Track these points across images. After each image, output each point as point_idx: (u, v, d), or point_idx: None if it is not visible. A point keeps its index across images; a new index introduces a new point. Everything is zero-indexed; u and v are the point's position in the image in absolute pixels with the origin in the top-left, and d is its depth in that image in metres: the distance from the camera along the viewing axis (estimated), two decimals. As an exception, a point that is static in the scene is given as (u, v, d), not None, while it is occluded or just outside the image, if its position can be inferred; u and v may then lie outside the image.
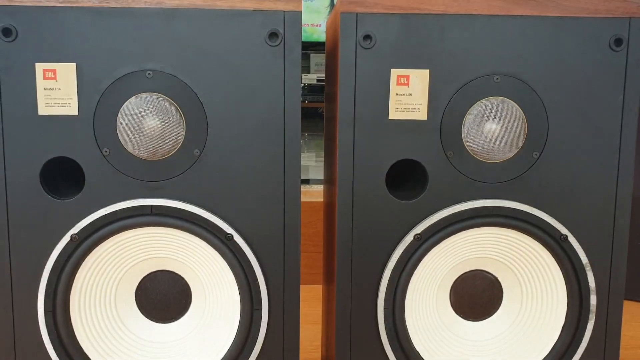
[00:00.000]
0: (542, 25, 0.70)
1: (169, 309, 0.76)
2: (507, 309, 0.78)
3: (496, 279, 0.78)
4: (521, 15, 0.70)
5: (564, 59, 0.71)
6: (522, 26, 0.70)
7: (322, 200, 1.40)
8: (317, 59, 4.36)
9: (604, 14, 0.70)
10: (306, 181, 2.08)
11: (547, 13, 0.70)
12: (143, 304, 0.76)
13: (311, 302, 1.40)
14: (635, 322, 1.27)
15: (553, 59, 0.70)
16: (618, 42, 0.70)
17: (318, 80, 4.23)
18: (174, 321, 0.76)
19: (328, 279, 0.87)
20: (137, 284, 0.75)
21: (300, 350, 1.16)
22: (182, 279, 0.75)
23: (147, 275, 0.75)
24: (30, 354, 0.72)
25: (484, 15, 0.69)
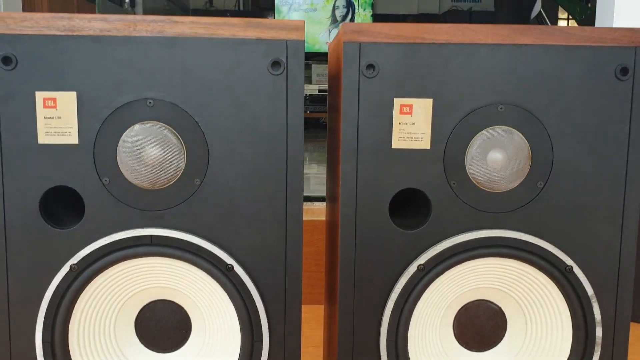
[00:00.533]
0: (547, 53, 0.69)
1: (169, 339, 0.75)
2: (511, 339, 0.77)
3: (500, 309, 0.77)
4: (526, 44, 0.69)
5: (569, 88, 0.70)
6: (526, 55, 0.69)
7: (324, 218, 1.39)
8: (319, 70, 4.36)
9: (609, 43, 0.69)
10: (307, 198, 2.08)
11: (552, 42, 0.69)
12: (142, 334, 0.75)
13: (312, 323, 1.38)
14: (639, 344, 1.25)
15: (558, 88, 0.70)
16: (624, 71, 0.70)
17: (320, 90, 4.24)
18: (173, 351, 0.75)
19: (330, 300, 0.86)
20: (136, 314, 0.74)
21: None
22: (182, 308, 0.74)
23: (147, 304, 0.74)
24: (27, 385, 0.71)
25: (489, 44, 0.69)
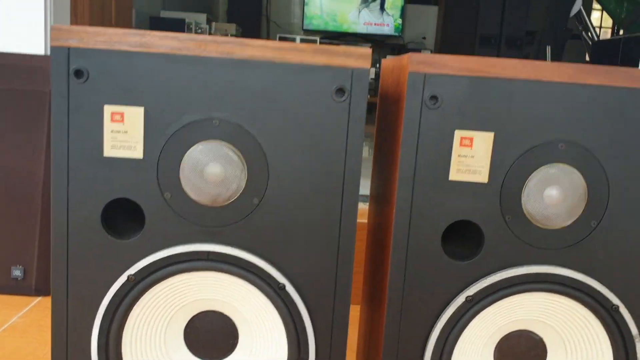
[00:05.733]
0: (612, 94, 0.69)
1: (216, 348, 0.77)
2: (551, 370, 0.78)
3: (541, 339, 0.78)
4: (591, 84, 0.69)
5: (632, 129, 0.70)
6: (591, 95, 0.69)
7: (362, 219, 1.40)
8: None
9: (676, 88, 0.69)
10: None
11: (618, 83, 0.69)
12: (191, 342, 0.77)
13: (349, 325, 1.40)
14: None
15: (620, 129, 0.70)
16: (688, 116, 0.69)
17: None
18: (220, 359, 0.77)
19: (370, 305, 0.87)
20: (186, 322, 0.76)
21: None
22: (231, 320, 0.76)
23: (197, 314, 0.76)
24: (81, 387, 0.73)
25: (554, 82, 0.69)
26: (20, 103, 1.49)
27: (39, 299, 1.48)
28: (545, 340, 0.78)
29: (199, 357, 0.77)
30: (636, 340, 0.73)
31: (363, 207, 1.32)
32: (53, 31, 0.67)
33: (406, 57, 0.70)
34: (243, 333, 0.77)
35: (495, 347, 0.78)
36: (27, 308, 1.42)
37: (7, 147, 1.48)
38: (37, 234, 1.49)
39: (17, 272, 1.48)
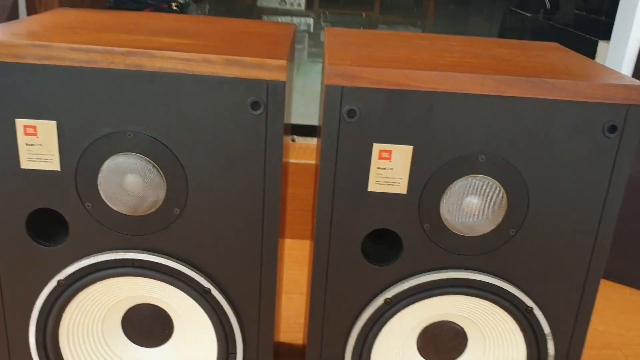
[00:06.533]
0: (536, 107, 0.67)
1: (152, 337, 0.81)
2: (470, 357, 0.82)
3: (462, 329, 0.82)
4: (513, 97, 0.67)
5: (554, 142, 0.69)
6: (514, 107, 0.67)
7: (309, 161, 1.41)
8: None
9: (601, 99, 0.67)
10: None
11: (542, 95, 0.67)
12: (129, 332, 0.81)
13: (301, 263, 1.43)
14: (612, 309, 1.29)
15: (542, 141, 0.69)
16: (612, 129, 0.68)
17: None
18: (157, 346, 0.82)
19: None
20: (122, 314, 0.80)
21: (283, 329, 1.23)
22: (165, 311, 0.80)
23: (133, 306, 0.80)
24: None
25: (475, 94, 0.67)
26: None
27: None
28: (467, 330, 0.81)
29: (137, 344, 0.82)
30: (548, 338, 0.77)
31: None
32: (-46, 44, 0.64)
33: (325, 69, 0.67)
34: (177, 324, 0.80)
35: (419, 336, 0.81)
36: None
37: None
38: None
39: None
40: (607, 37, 1.57)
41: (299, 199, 1.48)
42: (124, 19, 0.86)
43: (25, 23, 0.77)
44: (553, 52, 0.83)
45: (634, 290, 1.36)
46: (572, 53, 0.85)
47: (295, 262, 1.48)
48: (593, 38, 1.73)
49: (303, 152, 1.65)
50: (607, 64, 1.52)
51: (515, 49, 0.84)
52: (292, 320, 1.31)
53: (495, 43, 0.89)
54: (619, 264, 1.37)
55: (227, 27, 0.86)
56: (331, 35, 0.86)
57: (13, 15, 1.50)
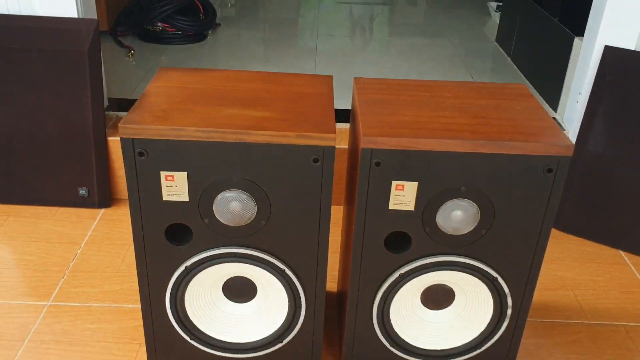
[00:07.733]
0: (500, 158, 1.03)
1: (242, 295, 1.23)
2: (456, 306, 1.23)
3: (451, 288, 1.22)
4: (484, 153, 1.02)
5: (512, 177, 1.05)
6: (485, 158, 1.03)
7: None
8: None
9: (544, 153, 1.02)
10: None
11: (504, 152, 1.02)
12: (227, 293, 1.22)
13: (336, 225, 1.82)
14: (569, 260, 1.67)
15: (504, 177, 1.04)
16: (549, 170, 1.03)
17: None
18: (245, 302, 1.23)
19: (349, 202, 1.30)
20: (223, 282, 1.21)
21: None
22: (252, 281, 1.20)
23: (230, 278, 1.20)
24: (162, 329, 1.20)
25: (459, 151, 1.02)
26: (62, 61, 1.78)
27: (102, 211, 1.93)
28: (454, 289, 1.22)
29: (231, 300, 1.23)
30: (508, 296, 1.17)
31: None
32: (121, 128, 0.99)
33: (360, 133, 1.02)
34: (259, 289, 1.21)
35: (422, 294, 1.22)
36: (96, 221, 1.88)
37: (58, 98, 1.81)
38: (94, 163, 1.89)
39: (82, 192, 1.92)
40: (582, 34, 1.80)
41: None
42: (211, 83, 1.19)
43: (152, 99, 1.12)
44: (519, 102, 1.17)
45: (588, 242, 1.75)
46: (533, 102, 1.18)
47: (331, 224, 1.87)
48: (571, 33, 1.94)
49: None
50: (578, 63, 1.77)
51: (490, 99, 1.17)
52: (328, 273, 1.72)
53: (476, 92, 1.21)
54: (579, 221, 1.75)
55: (282, 90, 1.19)
56: (360, 90, 1.19)
57: (93, 51, 1.79)
